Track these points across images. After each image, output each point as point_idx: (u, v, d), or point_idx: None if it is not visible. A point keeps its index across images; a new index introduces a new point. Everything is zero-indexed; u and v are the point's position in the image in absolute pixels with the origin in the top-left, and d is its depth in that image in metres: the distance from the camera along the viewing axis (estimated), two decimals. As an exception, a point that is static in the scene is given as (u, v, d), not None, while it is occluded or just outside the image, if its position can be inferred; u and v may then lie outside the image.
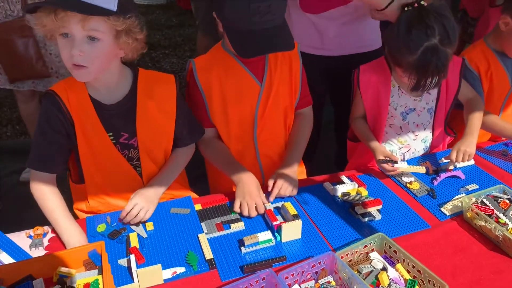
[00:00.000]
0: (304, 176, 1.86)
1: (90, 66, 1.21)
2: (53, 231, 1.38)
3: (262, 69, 1.58)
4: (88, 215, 1.48)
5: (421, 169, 1.68)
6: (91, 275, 1.05)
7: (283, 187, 1.50)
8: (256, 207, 1.42)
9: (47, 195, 1.35)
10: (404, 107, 1.73)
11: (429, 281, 1.16)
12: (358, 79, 1.72)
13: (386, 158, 1.60)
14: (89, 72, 1.22)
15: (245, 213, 1.42)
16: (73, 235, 1.30)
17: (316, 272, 1.21)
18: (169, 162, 1.53)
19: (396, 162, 1.60)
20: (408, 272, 1.22)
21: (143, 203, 1.37)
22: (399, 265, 1.23)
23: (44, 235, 1.36)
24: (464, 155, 1.60)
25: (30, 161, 1.35)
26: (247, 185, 1.46)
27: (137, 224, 1.37)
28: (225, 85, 1.56)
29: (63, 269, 1.06)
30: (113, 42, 1.21)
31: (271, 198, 1.50)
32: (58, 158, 1.38)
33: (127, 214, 1.35)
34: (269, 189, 1.51)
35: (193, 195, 1.62)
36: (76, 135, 1.33)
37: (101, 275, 1.06)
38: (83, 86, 1.32)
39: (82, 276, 1.05)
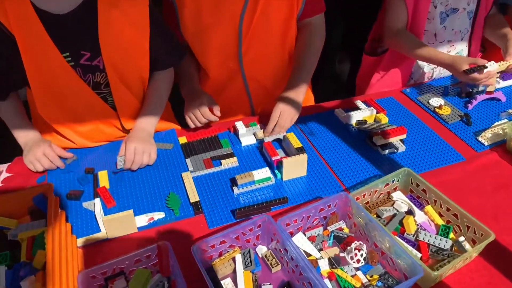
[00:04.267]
0: (311, 102, 1.58)
1: None
2: (8, 170, 1.15)
3: None
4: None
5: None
6: (37, 227, 0.82)
7: (281, 118, 1.23)
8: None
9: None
10: (445, 5, 1.41)
11: (468, 227, 0.92)
12: None
13: (473, 66, 1.27)
14: None
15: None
16: (23, 134, 1.15)
17: (325, 217, 0.97)
18: (150, 91, 1.26)
19: (485, 66, 1.26)
20: (441, 216, 0.98)
21: (141, 146, 1.14)
22: (429, 208, 0.99)
23: (-4, 175, 1.13)
24: None
25: None
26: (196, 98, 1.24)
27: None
28: None
29: (1, 219, 0.83)
30: None
31: (266, 134, 1.23)
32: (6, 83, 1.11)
33: (132, 163, 1.13)
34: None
35: (176, 127, 1.36)
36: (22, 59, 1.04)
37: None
38: None
39: (26, 228, 0.82)
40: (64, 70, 1.08)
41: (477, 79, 1.29)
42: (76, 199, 1.06)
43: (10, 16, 1.00)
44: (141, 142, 1.15)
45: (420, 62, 1.52)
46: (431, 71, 1.55)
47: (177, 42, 1.25)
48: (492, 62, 1.27)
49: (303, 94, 1.29)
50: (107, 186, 1.10)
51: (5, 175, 1.14)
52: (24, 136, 1.16)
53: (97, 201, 0.99)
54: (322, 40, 1.38)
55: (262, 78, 1.40)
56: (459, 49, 1.52)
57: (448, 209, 0.96)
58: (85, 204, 1.04)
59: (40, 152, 1.11)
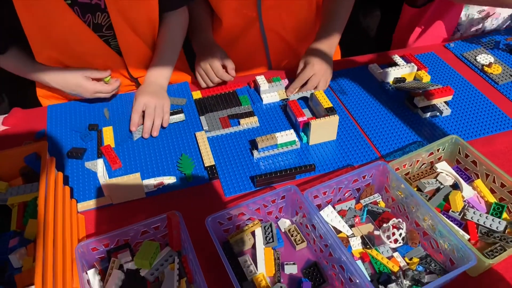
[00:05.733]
0: (338, 56, 1.41)
1: None
2: (4, 122, 1.05)
3: None
4: (54, 102, 1.12)
5: None
6: (30, 191, 0.72)
7: (311, 81, 1.09)
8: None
9: (10, 66, 1.04)
10: None
11: (526, 207, 0.79)
12: None
13: None
14: None
15: (204, 84, 1.13)
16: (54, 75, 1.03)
17: (358, 190, 0.85)
18: (162, 37, 1.11)
19: None
20: (493, 192, 0.85)
21: (153, 100, 1.02)
22: (479, 182, 0.86)
23: (-9, 128, 1.03)
24: None
25: None
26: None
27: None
28: None
29: (-11, 182, 0.73)
30: None
31: (289, 93, 1.09)
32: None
33: (146, 117, 1.01)
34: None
35: (192, 80, 1.22)
36: None
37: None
38: None
39: (17, 192, 0.72)
40: (61, 9, 0.93)
41: None
42: (78, 157, 0.95)
43: None
44: (152, 96, 1.02)
45: (470, 12, 1.32)
46: (482, 23, 1.36)
47: None
48: None
49: (334, 48, 1.14)
50: (112, 145, 0.99)
51: (1, 127, 1.04)
52: (53, 78, 1.04)
53: (100, 161, 0.88)
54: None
55: (283, 30, 1.23)
56: None
57: (502, 185, 0.83)
58: (88, 164, 0.94)
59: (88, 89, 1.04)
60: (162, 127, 1.04)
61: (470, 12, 1.33)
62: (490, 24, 1.36)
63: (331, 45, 1.13)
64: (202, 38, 1.17)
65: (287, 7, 1.20)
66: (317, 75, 1.09)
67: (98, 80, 1.05)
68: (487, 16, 1.34)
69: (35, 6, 0.91)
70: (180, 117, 1.06)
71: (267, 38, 1.26)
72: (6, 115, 1.07)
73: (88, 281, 0.70)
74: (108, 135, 1.01)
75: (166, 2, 1.06)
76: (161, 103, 1.03)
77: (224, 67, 1.09)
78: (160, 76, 1.09)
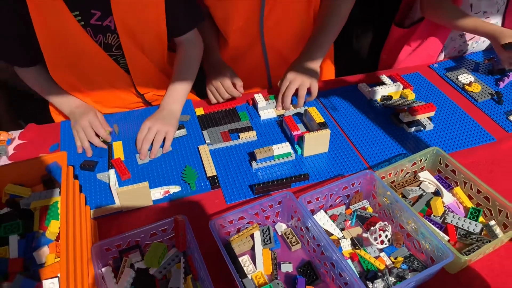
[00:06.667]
0: (331, 76, 1.51)
1: None
2: (20, 136, 1.13)
3: None
4: (66, 118, 1.21)
5: None
6: (52, 196, 0.79)
7: (290, 89, 1.16)
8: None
9: (33, 82, 1.16)
10: None
11: (499, 211, 0.87)
12: None
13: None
14: None
15: (214, 100, 1.22)
16: (67, 104, 1.14)
17: (348, 196, 0.93)
18: (177, 61, 1.20)
19: None
20: (470, 198, 0.93)
21: (158, 125, 1.08)
22: (458, 189, 0.94)
23: (9, 142, 1.11)
24: None
25: None
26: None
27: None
28: None
29: (14, 188, 0.80)
30: None
31: (278, 108, 1.18)
32: (23, 48, 1.06)
33: (143, 141, 1.08)
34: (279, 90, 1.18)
35: (194, 98, 1.31)
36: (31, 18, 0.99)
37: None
38: None
39: (39, 197, 0.79)
40: (74, 29, 1.02)
41: (510, 58, 1.22)
42: (90, 169, 1.03)
43: None
44: (157, 122, 1.09)
45: (453, 36, 1.43)
46: (463, 46, 1.47)
47: (195, 3, 1.18)
48: None
49: (318, 60, 1.21)
50: (122, 158, 1.07)
51: (17, 142, 1.12)
52: (68, 105, 1.14)
53: (111, 172, 0.96)
54: (349, 7, 1.27)
55: (283, 47, 1.33)
56: (494, 22, 1.43)
57: (478, 191, 0.91)
58: (99, 176, 1.01)
59: (86, 123, 1.10)
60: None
61: (453, 35, 1.44)
62: (471, 46, 1.47)
63: (311, 56, 1.19)
64: (212, 58, 1.25)
65: (287, 25, 1.29)
66: (293, 82, 1.15)
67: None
68: (469, 39, 1.45)
69: (52, 26, 1.00)
70: (182, 132, 1.14)
71: (268, 56, 1.36)
72: (22, 130, 1.15)
73: (103, 277, 0.77)
74: (118, 149, 1.09)
75: (175, 28, 1.14)
76: (164, 129, 1.08)
77: (233, 84, 1.18)
78: (173, 102, 1.14)
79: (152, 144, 1.07)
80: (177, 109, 1.14)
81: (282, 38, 1.32)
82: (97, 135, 1.10)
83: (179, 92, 1.16)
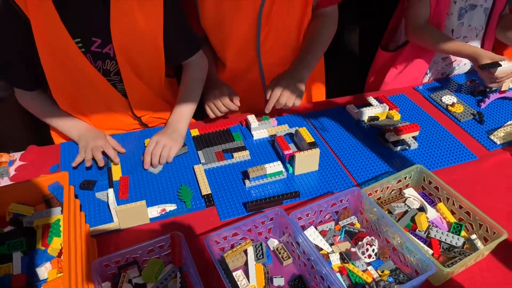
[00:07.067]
0: (322, 97, 1.57)
1: None
2: (21, 158, 1.17)
3: None
4: (65, 139, 1.25)
5: None
6: (54, 214, 0.83)
7: (283, 96, 1.20)
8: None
9: (35, 106, 1.20)
10: (465, 1, 1.41)
11: (480, 225, 0.92)
12: None
13: (489, 62, 1.27)
14: None
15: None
16: (76, 127, 1.19)
17: (337, 212, 0.97)
18: (182, 83, 1.27)
19: (498, 64, 1.25)
20: (453, 213, 0.98)
21: (165, 140, 1.16)
22: (441, 205, 0.99)
23: (10, 163, 1.15)
24: None
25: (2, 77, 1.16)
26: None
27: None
28: None
29: (17, 207, 0.84)
30: None
31: (267, 110, 1.23)
32: (28, 72, 1.12)
33: (151, 154, 1.14)
34: (267, 98, 1.23)
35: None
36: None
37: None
38: None
39: (41, 215, 0.83)
40: (75, 55, 1.08)
41: (489, 77, 1.29)
42: (89, 189, 1.06)
43: (28, 2, 1.00)
44: (164, 136, 1.16)
45: (436, 59, 1.51)
46: (446, 68, 1.54)
47: (192, 34, 1.25)
48: (507, 60, 1.26)
49: (305, 79, 1.26)
50: (118, 176, 1.11)
51: (18, 163, 1.16)
52: (77, 129, 1.19)
53: (110, 191, 1.00)
54: (333, 30, 1.37)
55: (279, 67, 1.39)
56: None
57: (460, 207, 0.96)
58: (98, 194, 1.05)
59: (96, 145, 1.14)
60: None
61: (436, 58, 1.51)
62: (453, 69, 1.54)
63: (299, 75, 1.25)
64: (209, 78, 1.31)
65: (284, 47, 1.36)
66: (280, 98, 1.20)
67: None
68: (451, 62, 1.52)
69: (55, 52, 1.05)
70: (184, 149, 1.19)
71: (265, 76, 1.42)
72: (23, 151, 1.19)
73: (102, 292, 0.81)
74: (117, 169, 1.13)
75: (172, 57, 1.20)
76: (170, 144, 1.15)
77: (230, 99, 1.23)
78: (179, 121, 1.21)
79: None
80: (183, 128, 1.21)
81: (279, 58, 1.38)
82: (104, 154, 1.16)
83: (184, 112, 1.23)
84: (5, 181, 1.10)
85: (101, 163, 1.12)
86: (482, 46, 1.52)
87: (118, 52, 1.10)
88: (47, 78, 1.09)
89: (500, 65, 1.24)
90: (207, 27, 1.30)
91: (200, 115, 1.33)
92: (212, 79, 1.31)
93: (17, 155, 1.18)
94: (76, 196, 1.02)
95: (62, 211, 0.85)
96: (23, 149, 1.20)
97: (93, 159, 1.14)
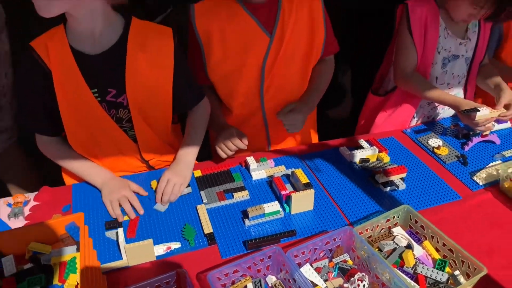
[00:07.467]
0: (316, 140, 1.68)
1: None
2: (35, 198, 1.24)
3: (274, 16, 1.36)
4: (76, 182, 1.34)
5: (501, 111, 1.41)
6: (69, 252, 0.91)
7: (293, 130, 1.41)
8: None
9: (54, 154, 1.29)
10: (448, 51, 1.53)
11: (462, 262, 0.99)
12: (407, 17, 1.48)
13: (469, 108, 1.38)
14: (48, 3, 1.00)
15: (224, 154, 1.36)
16: (100, 176, 1.26)
17: (331, 250, 1.05)
18: (188, 125, 1.39)
19: (477, 109, 1.36)
20: (438, 250, 1.05)
21: (175, 178, 1.25)
22: (426, 243, 1.06)
23: (25, 203, 1.22)
24: None
25: (22, 124, 1.26)
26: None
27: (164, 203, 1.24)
28: (227, 34, 1.35)
29: (36, 245, 0.91)
30: None
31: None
32: (49, 119, 1.22)
33: (162, 192, 1.23)
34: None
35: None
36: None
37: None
38: (63, 34, 1.14)
39: (58, 253, 0.91)
40: (92, 104, 1.19)
41: (471, 123, 1.39)
42: (115, 228, 1.13)
43: (51, 54, 1.12)
44: (174, 174, 1.25)
45: (422, 103, 1.62)
46: (431, 112, 1.65)
47: (197, 85, 1.36)
48: (485, 107, 1.37)
49: (309, 105, 1.49)
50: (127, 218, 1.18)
51: (33, 203, 1.23)
52: (101, 177, 1.26)
53: (120, 230, 1.07)
54: (331, 74, 1.54)
55: (281, 107, 1.50)
56: (456, 92, 1.62)
57: (444, 244, 1.03)
58: (108, 233, 1.12)
59: (121, 195, 1.20)
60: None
61: (422, 103, 1.62)
62: (439, 112, 1.66)
63: (304, 111, 1.44)
64: (217, 123, 1.43)
65: (286, 94, 1.48)
66: (292, 128, 1.42)
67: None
68: (436, 106, 1.64)
69: (73, 101, 1.17)
70: (188, 190, 1.28)
71: (267, 121, 1.53)
72: (37, 192, 1.27)
73: (113, 326, 0.87)
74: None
75: (180, 106, 1.32)
76: (180, 182, 1.25)
77: (239, 139, 1.33)
78: (187, 154, 1.31)
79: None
80: (191, 161, 1.32)
81: (281, 104, 1.49)
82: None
83: (192, 146, 1.33)
84: (20, 220, 1.17)
85: (132, 215, 1.18)
86: (464, 93, 1.64)
87: (131, 102, 1.21)
88: (64, 124, 1.20)
89: (478, 110, 1.35)
90: (214, 80, 1.43)
91: (202, 157, 1.42)
92: (220, 123, 1.42)
93: (31, 195, 1.26)
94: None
95: (77, 249, 0.92)
96: (31, 189, 1.28)
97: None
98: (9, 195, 1.26)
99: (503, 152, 1.43)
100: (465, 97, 1.65)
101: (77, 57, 1.14)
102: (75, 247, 0.93)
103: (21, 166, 1.85)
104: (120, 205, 1.19)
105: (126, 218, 1.18)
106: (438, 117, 1.68)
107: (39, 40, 1.15)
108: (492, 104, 1.42)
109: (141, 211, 1.19)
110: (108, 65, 1.17)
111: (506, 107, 1.39)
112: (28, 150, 1.78)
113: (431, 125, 1.61)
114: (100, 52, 1.16)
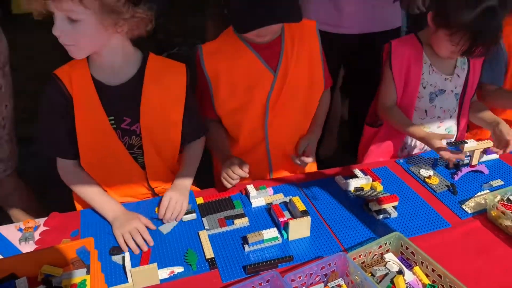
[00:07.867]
0: (314, 169, 1.75)
1: (77, 45, 1.16)
2: (45, 224, 1.31)
3: (277, 55, 1.46)
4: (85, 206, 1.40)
5: (488, 144, 1.50)
6: (79, 275, 0.97)
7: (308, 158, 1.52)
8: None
9: (70, 179, 1.35)
10: (434, 86, 1.62)
11: (450, 286, 1.05)
12: (389, 55, 1.59)
13: (445, 145, 1.45)
14: (79, 49, 1.18)
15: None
16: (111, 209, 1.31)
17: (326, 275, 1.10)
18: (185, 155, 1.47)
19: (464, 141, 1.45)
20: (427, 276, 1.11)
21: (177, 196, 1.33)
22: (417, 268, 1.12)
23: (35, 228, 1.28)
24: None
25: (44, 148, 1.32)
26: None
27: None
28: (234, 73, 1.45)
29: (48, 268, 0.97)
30: (96, 22, 1.12)
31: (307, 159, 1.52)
32: (69, 143, 1.30)
33: (166, 210, 1.31)
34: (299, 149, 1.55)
35: (195, 189, 1.53)
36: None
37: (89, 275, 0.97)
38: (85, 65, 1.25)
39: (69, 276, 0.96)
40: (107, 130, 1.28)
41: (450, 158, 1.45)
42: (119, 253, 1.19)
43: (73, 83, 1.23)
44: (176, 192, 1.33)
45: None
46: (422, 144, 1.73)
47: (200, 120, 1.46)
48: (472, 140, 1.45)
49: (316, 134, 1.62)
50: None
51: (42, 228, 1.29)
52: (112, 211, 1.30)
53: (127, 255, 1.13)
54: (327, 106, 1.66)
55: (284, 143, 1.60)
56: (448, 126, 1.71)
57: (433, 270, 1.09)
58: (114, 258, 1.18)
59: (132, 227, 1.23)
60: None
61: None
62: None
63: (312, 133, 1.60)
64: (222, 153, 1.51)
65: (290, 127, 1.57)
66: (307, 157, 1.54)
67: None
68: None
69: (90, 127, 1.26)
70: (192, 216, 1.34)
71: (270, 152, 1.61)
72: (46, 218, 1.33)
73: None
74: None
75: (186, 137, 1.41)
76: (181, 199, 1.33)
77: (240, 167, 1.39)
78: (184, 180, 1.40)
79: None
80: (189, 184, 1.40)
81: (284, 137, 1.58)
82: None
83: (188, 177, 1.41)
84: (30, 245, 1.23)
85: (144, 248, 1.21)
86: (458, 126, 1.72)
87: (143, 130, 1.30)
88: (79, 146, 1.28)
89: (466, 142, 1.44)
90: (221, 114, 1.53)
91: (205, 185, 1.49)
92: (224, 153, 1.50)
93: (41, 221, 1.32)
94: (96, 259, 1.16)
95: (87, 272, 0.98)
96: (37, 215, 1.34)
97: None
98: (11, 222, 1.31)
99: (491, 182, 1.50)
100: (457, 131, 1.74)
101: (97, 87, 1.24)
102: (84, 270, 0.99)
103: (20, 195, 1.89)
104: None
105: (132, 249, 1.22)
106: (430, 149, 1.75)
107: (63, 69, 1.26)
108: (486, 137, 1.51)
109: (151, 243, 1.23)
110: (125, 96, 1.27)
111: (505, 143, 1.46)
112: (31, 180, 1.86)
113: (422, 156, 1.69)
114: (119, 83, 1.26)
